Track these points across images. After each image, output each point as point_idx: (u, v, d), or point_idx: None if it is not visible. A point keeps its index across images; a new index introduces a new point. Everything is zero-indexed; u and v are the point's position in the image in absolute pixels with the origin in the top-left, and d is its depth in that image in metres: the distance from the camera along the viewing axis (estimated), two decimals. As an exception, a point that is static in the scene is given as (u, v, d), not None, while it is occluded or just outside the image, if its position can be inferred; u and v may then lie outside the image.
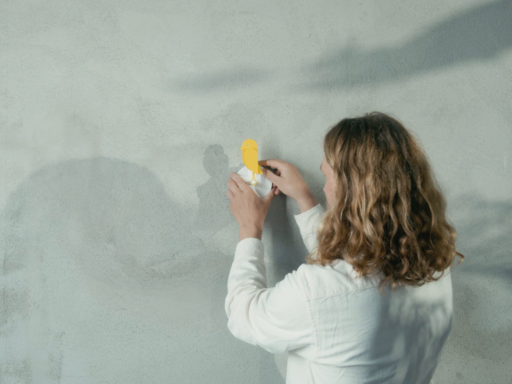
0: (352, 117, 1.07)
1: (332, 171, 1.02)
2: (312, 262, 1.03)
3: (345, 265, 0.99)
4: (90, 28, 1.50)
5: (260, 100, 1.50)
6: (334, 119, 1.49)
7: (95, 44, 1.50)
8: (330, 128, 1.08)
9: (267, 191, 1.47)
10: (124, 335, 1.50)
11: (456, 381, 1.49)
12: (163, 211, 1.49)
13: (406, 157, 0.96)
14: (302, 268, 1.01)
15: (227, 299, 1.19)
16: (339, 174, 0.98)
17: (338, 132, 1.03)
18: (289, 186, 1.39)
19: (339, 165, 0.99)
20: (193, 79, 1.50)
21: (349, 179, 0.97)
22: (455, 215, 1.49)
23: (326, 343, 0.96)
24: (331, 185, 1.05)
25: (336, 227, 0.98)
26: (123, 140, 1.49)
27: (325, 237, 1.01)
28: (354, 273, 0.97)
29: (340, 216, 0.97)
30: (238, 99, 1.50)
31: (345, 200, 0.97)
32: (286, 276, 1.06)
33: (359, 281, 0.96)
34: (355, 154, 0.97)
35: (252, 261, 1.25)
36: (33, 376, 1.49)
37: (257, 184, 1.45)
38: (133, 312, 1.50)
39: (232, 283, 1.22)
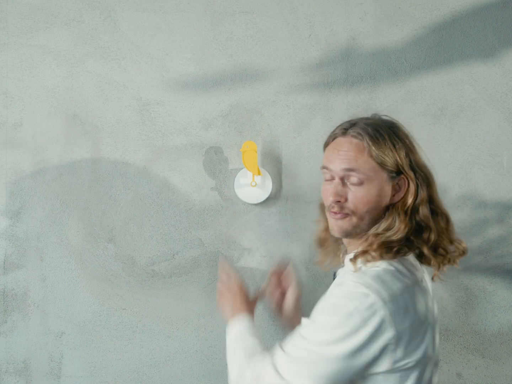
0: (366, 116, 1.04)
1: (382, 173, 0.95)
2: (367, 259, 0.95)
3: (392, 263, 0.95)
4: (90, 28, 1.50)
5: (260, 100, 1.50)
6: (334, 119, 1.49)
7: (95, 44, 1.50)
8: (374, 129, 0.97)
9: (267, 194, 1.46)
10: (124, 335, 1.50)
11: (456, 381, 1.49)
12: (163, 211, 1.49)
13: None
14: (354, 276, 0.91)
15: (234, 375, 1.02)
16: (414, 172, 0.96)
17: (392, 132, 0.98)
18: (286, 320, 1.21)
19: (403, 159, 0.95)
20: (193, 79, 1.50)
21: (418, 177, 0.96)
22: (455, 215, 1.49)
23: (403, 343, 0.89)
24: (376, 190, 0.95)
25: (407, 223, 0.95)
26: (123, 140, 1.49)
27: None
28: (401, 267, 0.94)
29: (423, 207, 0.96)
30: (238, 99, 1.50)
31: (411, 192, 0.96)
32: (324, 301, 0.94)
33: (417, 274, 0.96)
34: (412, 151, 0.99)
35: (252, 335, 1.08)
36: (33, 376, 1.49)
37: (257, 186, 1.45)
38: (133, 312, 1.50)
39: (236, 358, 1.04)
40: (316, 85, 1.50)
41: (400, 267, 0.94)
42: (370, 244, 0.95)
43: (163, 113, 1.50)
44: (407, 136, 1.00)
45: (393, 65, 1.51)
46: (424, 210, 0.96)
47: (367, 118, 1.01)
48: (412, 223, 0.95)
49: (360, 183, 0.94)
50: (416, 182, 0.96)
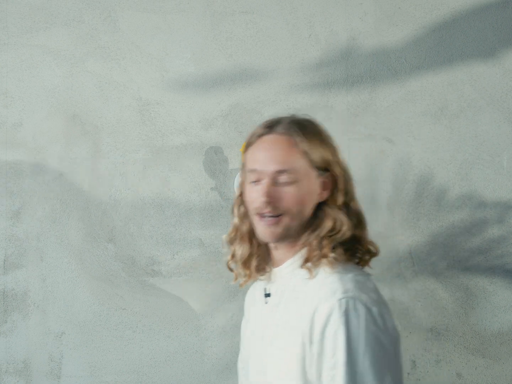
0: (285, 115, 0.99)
1: (311, 171, 0.91)
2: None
3: (356, 267, 0.94)
4: (90, 28, 1.50)
5: (260, 100, 1.50)
6: (334, 119, 1.49)
7: (95, 44, 1.50)
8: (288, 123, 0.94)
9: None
10: (124, 335, 1.50)
11: (456, 381, 1.49)
12: (163, 211, 1.49)
13: None
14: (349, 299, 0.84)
15: None
16: (335, 165, 0.93)
17: (313, 126, 0.95)
18: None
19: (331, 156, 0.93)
20: (193, 79, 1.50)
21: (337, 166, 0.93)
22: (455, 215, 1.49)
23: None
24: (307, 188, 0.91)
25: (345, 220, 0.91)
26: (123, 140, 1.49)
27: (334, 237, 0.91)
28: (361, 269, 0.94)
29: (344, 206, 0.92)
30: (238, 99, 1.50)
31: (340, 188, 0.92)
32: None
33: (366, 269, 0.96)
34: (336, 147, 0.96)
35: None
36: (33, 376, 1.49)
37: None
38: (133, 312, 1.50)
39: None
40: (316, 85, 1.50)
41: (360, 268, 0.95)
42: (323, 248, 0.89)
43: (163, 113, 1.50)
44: (329, 135, 0.97)
45: (393, 65, 1.51)
46: (355, 206, 0.94)
47: (289, 117, 0.96)
48: (352, 220, 0.92)
49: (292, 182, 0.89)
50: (345, 178, 0.93)
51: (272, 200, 0.88)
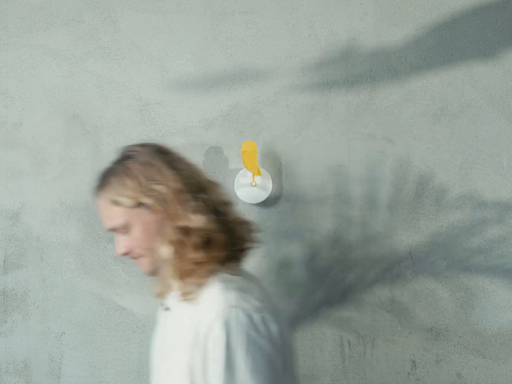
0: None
1: (134, 211, 0.92)
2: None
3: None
4: (90, 28, 1.50)
5: (260, 100, 1.50)
6: (334, 119, 1.50)
7: (95, 44, 1.50)
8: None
9: (267, 194, 1.46)
10: (124, 335, 1.50)
11: (456, 381, 1.49)
12: (163, 211, 1.49)
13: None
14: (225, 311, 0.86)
15: None
16: (144, 197, 0.92)
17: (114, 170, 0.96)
18: None
19: (138, 189, 0.91)
20: (193, 79, 1.50)
21: (158, 194, 0.91)
22: (455, 215, 1.49)
23: None
24: (142, 227, 0.93)
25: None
26: (123, 140, 1.49)
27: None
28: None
29: (176, 229, 0.91)
30: (238, 99, 1.50)
31: (169, 213, 0.91)
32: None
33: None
34: (145, 175, 0.93)
35: None
36: (33, 376, 1.49)
37: (257, 186, 1.45)
38: (133, 312, 1.50)
39: None
40: (316, 85, 1.50)
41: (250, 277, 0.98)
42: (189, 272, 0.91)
43: (163, 113, 1.50)
44: (134, 166, 0.94)
45: (393, 65, 1.51)
46: (194, 223, 0.91)
47: (107, 167, 0.98)
48: (191, 240, 0.92)
49: (127, 231, 0.94)
50: (166, 201, 0.91)
51: (126, 250, 0.95)
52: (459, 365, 1.49)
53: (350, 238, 1.49)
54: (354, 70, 1.50)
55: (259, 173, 1.44)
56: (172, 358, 0.91)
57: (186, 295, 0.91)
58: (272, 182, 1.48)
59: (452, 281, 1.49)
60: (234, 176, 1.49)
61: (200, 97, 1.50)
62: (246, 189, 1.47)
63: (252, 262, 1.49)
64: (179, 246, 0.90)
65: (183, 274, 0.91)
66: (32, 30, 1.49)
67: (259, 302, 0.88)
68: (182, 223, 0.90)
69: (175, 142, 1.50)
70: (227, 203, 0.99)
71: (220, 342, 0.83)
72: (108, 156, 1.49)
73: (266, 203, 1.49)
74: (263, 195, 1.47)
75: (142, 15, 1.50)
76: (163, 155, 0.97)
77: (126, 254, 0.96)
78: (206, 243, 0.91)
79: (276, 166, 1.50)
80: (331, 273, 1.49)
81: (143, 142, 1.02)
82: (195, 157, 1.49)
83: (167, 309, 1.01)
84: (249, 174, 1.45)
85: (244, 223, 0.99)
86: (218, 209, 0.95)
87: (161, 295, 1.01)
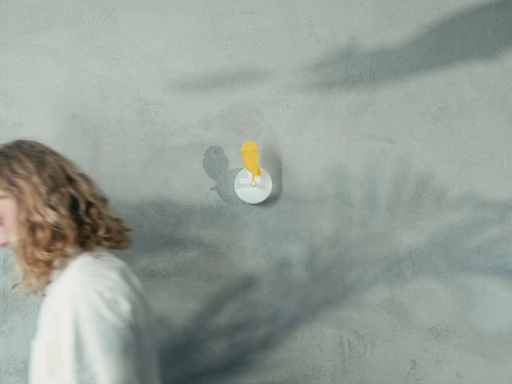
0: None
1: (3, 201, 0.97)
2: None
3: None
4: (90, 28, 1.50)
5: (260, 100, 1.50)
6: (334, 119, 1.50)
7: (95, 44, 1.50)
8: None
9: (267, 194, 1.46)
10: (124, 335, 1.49)
11: (456, 381, 1.49)
12: (163, 211, 1.49)
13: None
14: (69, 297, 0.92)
15: None
16: (7, 190, 0.96)
17: None
18: None
19: (3, 182, 0.97)
20: (193, 79, 1.50)
21: (17, 187, 0.96)
22: (455, 215, 1.49)
23: None
24: (12, 218, 0.98)
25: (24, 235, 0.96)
26: (123, 140, 1.49)
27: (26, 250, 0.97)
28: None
29: (25, 223, 0.96)
30: (238, 99, 1.50)
31: (25, 206, 0.96)
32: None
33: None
34: (10, 168, 0.97)
35: None
36: (33, 376, 1.49)
37: (257, 186, 1.45)
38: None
39: None
40: (316, 85, 1.50)
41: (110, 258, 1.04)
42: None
43: (163, 113, 1.50)
44: (9, 155, 0.99)
45: (393, 65, 1.51)
46: (35, 219, 0.96)
47: None
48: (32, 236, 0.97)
49: (1, 222, 0.99)
50: (20, 198, 0.96)
51: (3, 240, 1.01)
52: (459, 365, 1.49)
53: (350, 238, 1.49)
54: (354, 70, 1.50)
55: (259, 173, 1.44)
56: (36, 343, 0.96)
57: (29, 286, 0.99)
58: (272, 182, 1.48)
59: (452, 281, 1.49)
60: (234, 176, 1.49)
61: (200, 97, 1.50)
62: (246, 189, 1.47)
63: (252, 262, 1.49)
64: (22, 240, 0.96)
65: (26, 265, 0.97)
66: (32, 30, 1.49)
67: (113, 283, 0.93)
68: (33, 218, 0.95)
69: (175, 142, 1.50)
70: (98, 199, 1.06)
71: (68, 319, 0.89)
72: (108, 156, 1.50)
73: (266, 203, 1.49)
74: (263, 195, 1.47)
75: (142, 15, 1.50)
76: (30, 149, 1.01)
77: (3, 245, 1.01)
78: (52, 239, 0.96)
79: (276, 166, 1.50)
80: (331, 273, 1.49)
81: (17, 139, 1.06)
82: (195, 157, 1.50)
83: (43, 295, 1.06)
84: (249, 174, 1.45)
85: (116, 220, 1.09)
86: (83, 204, 1.01)
87: (17, 285, 1.07)
